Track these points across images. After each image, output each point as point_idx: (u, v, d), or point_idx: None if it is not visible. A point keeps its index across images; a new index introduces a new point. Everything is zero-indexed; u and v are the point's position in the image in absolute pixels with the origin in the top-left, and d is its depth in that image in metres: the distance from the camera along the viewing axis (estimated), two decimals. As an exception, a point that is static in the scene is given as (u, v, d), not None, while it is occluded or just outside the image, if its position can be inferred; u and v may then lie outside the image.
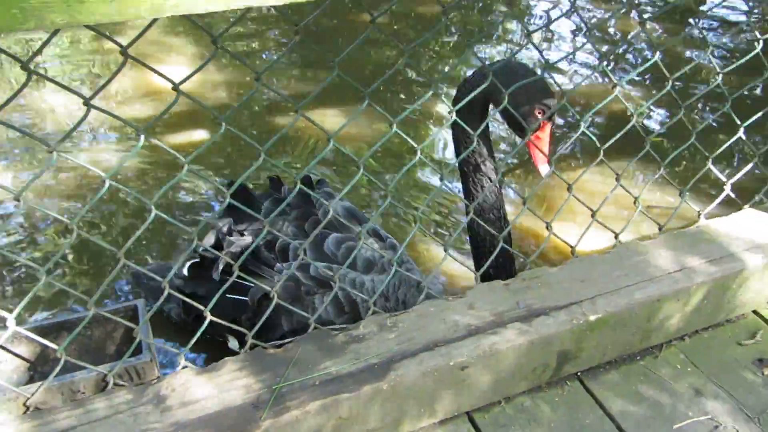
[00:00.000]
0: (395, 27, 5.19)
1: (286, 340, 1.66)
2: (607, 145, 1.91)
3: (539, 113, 1.88)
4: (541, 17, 5.46)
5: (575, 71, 4.65)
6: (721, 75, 1.97)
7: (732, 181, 2.13)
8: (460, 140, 1.95)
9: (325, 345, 1.64)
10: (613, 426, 1.76)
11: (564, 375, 1.87)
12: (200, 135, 3.62)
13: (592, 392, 1.85)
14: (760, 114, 2.14)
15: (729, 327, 2.08)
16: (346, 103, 3.92)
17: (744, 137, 2.12)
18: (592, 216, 1.97)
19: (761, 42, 1.98)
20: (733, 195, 2.17)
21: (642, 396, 1.84)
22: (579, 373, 1.89)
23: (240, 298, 2.03)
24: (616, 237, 2.04)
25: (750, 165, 2.17)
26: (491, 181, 1.98)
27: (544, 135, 1.93)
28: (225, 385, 1.52)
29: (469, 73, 2.07)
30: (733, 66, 2.01)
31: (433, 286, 2.15)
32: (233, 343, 2.18)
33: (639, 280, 1.86)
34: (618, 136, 1.92)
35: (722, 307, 2.02)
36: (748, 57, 1.99)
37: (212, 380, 1.54)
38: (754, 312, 2.13)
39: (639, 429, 1.75)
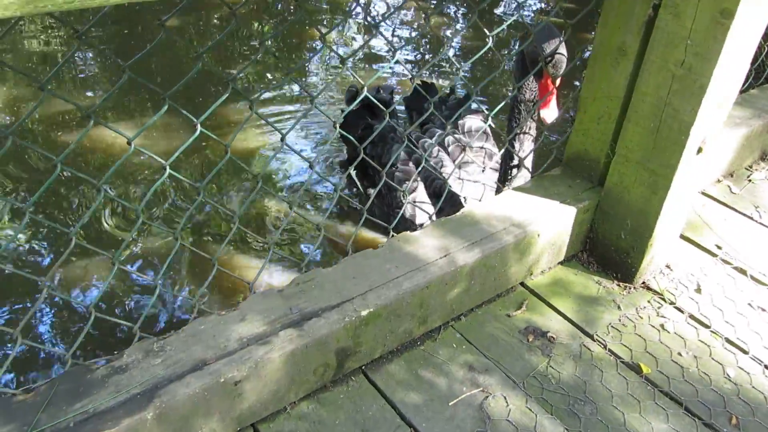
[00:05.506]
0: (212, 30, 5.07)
1: None
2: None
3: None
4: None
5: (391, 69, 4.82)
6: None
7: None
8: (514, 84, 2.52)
9: (83, 381, 1.53)
10: (394, 413, 1.83)
11: (348, 371, 1.91)
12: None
13: (375, 384, 1.91)
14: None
15: (500, 301, 2.25)
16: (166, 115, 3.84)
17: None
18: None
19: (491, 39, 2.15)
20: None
21: (422, 380, 1.93)
22: (363, 367, 1.95)
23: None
24: (388, 231, 2.13)
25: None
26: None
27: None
28: (-39, 446, 1.37)
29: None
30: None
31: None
32: None
33: (407, 270, 1.95)
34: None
35: (491, 284, 2.18)
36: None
37: (-53, 443, 1.38)
38: (522, 284, 2.32)
39: (418, 412, 1.83)
